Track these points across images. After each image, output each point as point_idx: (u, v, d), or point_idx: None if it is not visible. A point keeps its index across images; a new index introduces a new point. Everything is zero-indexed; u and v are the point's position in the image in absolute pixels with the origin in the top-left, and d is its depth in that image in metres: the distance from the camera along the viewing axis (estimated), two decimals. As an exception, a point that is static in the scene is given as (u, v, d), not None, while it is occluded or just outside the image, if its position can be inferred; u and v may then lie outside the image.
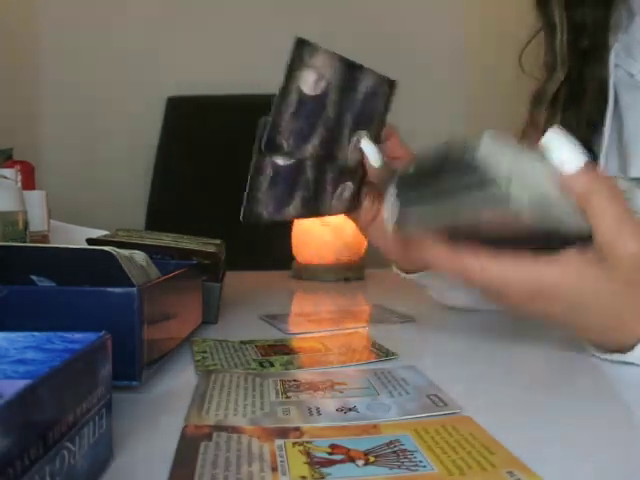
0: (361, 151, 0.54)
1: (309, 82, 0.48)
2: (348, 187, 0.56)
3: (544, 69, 0.71)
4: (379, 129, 0.56)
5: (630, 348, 0.43)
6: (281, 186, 0.50)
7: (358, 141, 0.54)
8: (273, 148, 0.48)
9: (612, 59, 0.67)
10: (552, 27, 0.69)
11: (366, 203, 0.58)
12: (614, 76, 0.67)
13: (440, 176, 0.42)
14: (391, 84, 0.56)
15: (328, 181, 0.54)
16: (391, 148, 0.57)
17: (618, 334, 0.43)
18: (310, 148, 0.50)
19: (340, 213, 0.58)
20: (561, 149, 0.38)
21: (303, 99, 0.48)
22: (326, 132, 0.51)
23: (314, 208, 0.54)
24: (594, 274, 0.40)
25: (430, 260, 0.46)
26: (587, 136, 0.68)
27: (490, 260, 0.42)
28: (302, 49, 0.48)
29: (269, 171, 0.49)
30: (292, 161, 0.50)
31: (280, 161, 0.49)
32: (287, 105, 0.48)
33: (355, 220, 0.60)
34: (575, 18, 0.68)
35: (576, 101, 0.69)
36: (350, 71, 0.53)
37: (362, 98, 0.53)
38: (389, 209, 0.49)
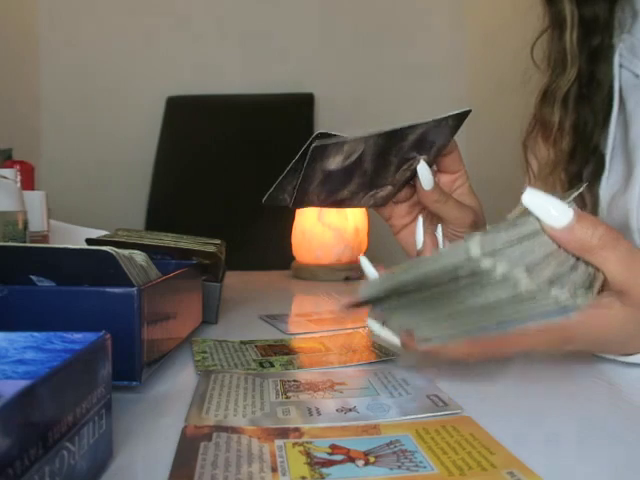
0: (414, 171, 0.53)
1: (336, 162, 0.47)
2: (386, 189, 0.55)
3: (550, 66, 0.71)
4: (439, 152, 0.54)
5: None
6: (335, 181, 0.50)
7: (412, 164, 0.52)
8: (303, 203, 0.51)
9: (616, 60, 0.67)
10: (562, 23, 0.68)
11: (402, 209, 0.57)
12: (619, 77, 0.66)
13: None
14: (459, 117, 0.52)
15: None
16: (448, 163, 0.55)
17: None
18: (346, 193, 0.52)
19: (368, 207, 0.57)
20: (546, 208, 0.36)
21: (331, 173, 0.48)
22: (363, 178, 0.51)
23: (373, 191, 0.53)
24: (618, 311, 0.40)
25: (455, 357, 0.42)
26: (600, 136, 0.68)
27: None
28: (323, 150, 0.46)
29: (319, 175, 0.48)
30: (347, 165, 0.48)
31: (333, 166, 0.48)
32: (312, 180, 0.48)
33: (382, 214, 0.59)
34: (586, 14, 0.67)
35: (588, 100, 0.68)
36: (390, 137, 0.50)
37: (413, 143, 0.51)
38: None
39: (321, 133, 0.46)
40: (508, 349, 0.42)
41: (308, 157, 0.47)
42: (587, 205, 0.68)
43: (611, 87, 0.66)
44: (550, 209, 0.36)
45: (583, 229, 0.37)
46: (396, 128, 0.49)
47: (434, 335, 0.38)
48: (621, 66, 0.67)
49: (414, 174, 0.53)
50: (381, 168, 0.51)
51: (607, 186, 0.67)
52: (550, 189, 0.69)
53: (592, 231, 0.37)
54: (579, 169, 0.69)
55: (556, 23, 0.69)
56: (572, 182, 0.69)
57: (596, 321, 0.40)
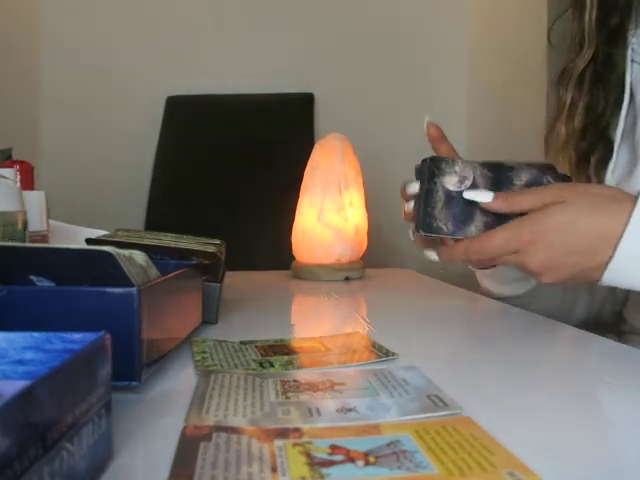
0: None
1: (452, 182, 0.56)
2: None
3: (569, 48, 0.73)
4: None
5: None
6: (456, 208, 0.56)
7: None
8: (431, 230, 0.56)
9: (629, 54, 0.67)
10: (582, 3, 0.70)
11: None
12: (630, 71, 0.67)
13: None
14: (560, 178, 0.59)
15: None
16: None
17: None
18: (473, 229, 0.56)
19: None
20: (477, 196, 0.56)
21: (450, 194, 0.56)
22: (487, 217, 0.56)
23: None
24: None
25: (460, 254, 0.57)
26: (610, 120, 0.69)
27: (487, 235, 0.55)
28: (438, 163, 0.57)
29: (440, 194, 0.56)
30: (463, 190, 0.56)
31: (451, 187, 0.56)
32: (435, 200, 0.56)
33: None
34: None
35: (602, 82, 0.70)
36: (499, 170, 0.58)
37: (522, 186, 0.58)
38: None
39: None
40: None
41: (427, 170, 0.56)
42: None
43: (624, 74, 0.68)
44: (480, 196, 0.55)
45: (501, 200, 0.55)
46: (499, 162, 0.58)
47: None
48: (633, 61, 0.67)
49: None
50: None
51: (612, 176, 0.68)
52: (560, 167, 0.72)
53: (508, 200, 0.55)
54: (589, 149, 0.71)
55: (576, 3, 0.71)
56: (580, 162, 0.71)
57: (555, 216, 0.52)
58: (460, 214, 0.56)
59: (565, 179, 0.59)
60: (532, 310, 0.70)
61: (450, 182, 0.56)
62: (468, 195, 0.56)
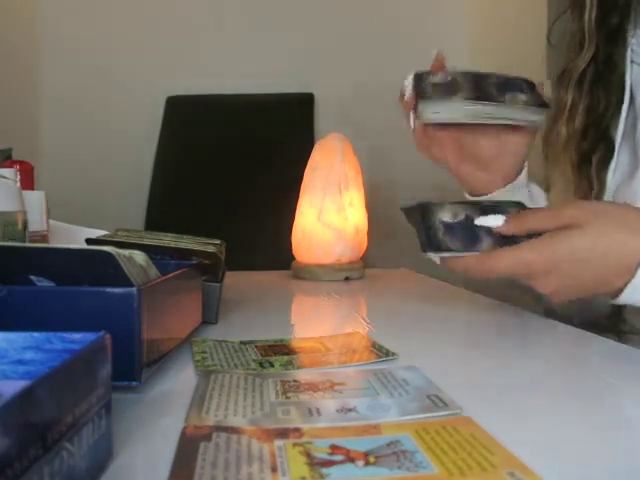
0: None
1: (447, 217, 0.56)
2: (520, 94, 0.64)
3: (569, 48, 0.73)
4: None
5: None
6: (460, 233, 0.56)
7: None
8: (440, 249, 0.56)
9: (629, 55, 0.67)
10: (581, 4, 0.70)
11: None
12: (630, 72, 0.67)
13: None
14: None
15: (493, 89, 0.62)
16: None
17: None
18: (485, 245, 0.56)
19: (520, 113, 0.65)
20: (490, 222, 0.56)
21: (450, 225, 0.57)
22: (493, 237, 0.56)
23: (483, 103, 0.62)
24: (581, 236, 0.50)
25: (460, 269, 0.55)
26: (611, 120, 0.70)
27: (503, 251, 0.53)
28: (426, 208, 0.57)
29: (439, 226, 0.56)
30: (446, 81, 0.62)
31: (448, 219, 0.57)
32: (436, 228, 0.56)
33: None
34: None
35: (602, 82, 0.70)
36: (475, 75, 0.64)
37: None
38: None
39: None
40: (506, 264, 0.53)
41: (419, 214, 0.57)
42: (594, 191, 0.69)
43: (625, 74, 0.68)
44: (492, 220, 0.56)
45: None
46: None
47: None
48: (632, 62, 0.67)
49: None
50: (482, 90, 0.61)
51: (614, 177, 0.68)
52: (561, 168, 0.73)
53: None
54: (590, 150, 0.71)
55: (576, 3, 0.71)
56: (582, 163, 0.71)
57: (574, 242, 0.50)
58: (466, 236, 0.56)
59: (527, 80, 0.63)
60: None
61: (445, 217, 0.57)
62: (479, 222, 0.56)
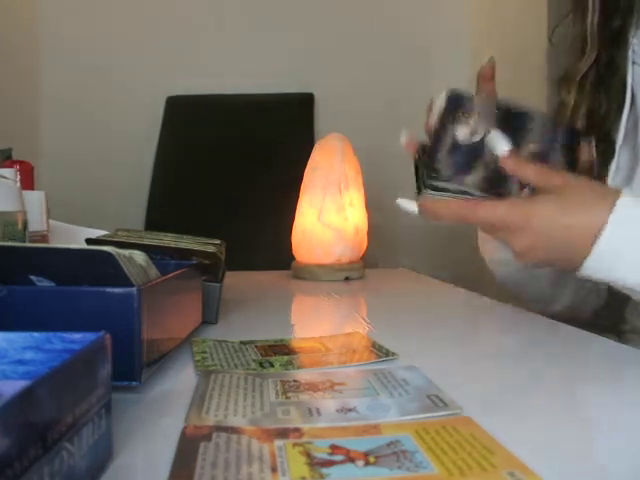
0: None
1: (463, 132, 0.56)
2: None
3: (571, 51, 0.73)
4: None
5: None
6: (459, 157, 0.56)
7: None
8: (430, 171, 0.56)
9: (630, 56, 0.67)
10: (584, 6, 0.70)
11: None
12: (631, 73, 0.67)
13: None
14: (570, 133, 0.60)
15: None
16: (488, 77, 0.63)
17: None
18: (470, 181, 0.56)
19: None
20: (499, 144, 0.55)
21: (458, 144, 0.56)
22: (485, 172, 0.56)
23: (494, 191, 0.58)
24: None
25: (442, 213, 0.56)
26: (612, 124, 0.69)
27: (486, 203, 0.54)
28: (456, 102, 0.57)
29: (448, 141, 0.56)
30: (471, 142, 0.57)
31: (460, 136, 0.56)
32: (442, 144, 0.56)
33: None
34: None
35: (604, 85, 0.70)
36: (514, 118, 0.58)
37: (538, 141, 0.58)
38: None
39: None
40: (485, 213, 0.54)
41: (445, 104, 0.56)
42: None
43: (626, 77, 0.68)
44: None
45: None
46: (520, 109, 0.58)
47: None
48: (634, 63, 0.67)
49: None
50: (502, 175, 0.57)
51: (614, 178, 0.68)
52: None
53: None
54: None
55: (579, 6, 0.71)
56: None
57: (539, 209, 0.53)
58: (463, 162, 0.56)
59: (574, 131, 0.60)
60: (527, 287, 0.71)
61: (461, 132, 0.56)
62: (490, 138, 0.55)
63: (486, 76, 0.63)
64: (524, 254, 0.55)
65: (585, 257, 0.52)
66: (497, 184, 0.56)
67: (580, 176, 0.57)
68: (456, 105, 0.57)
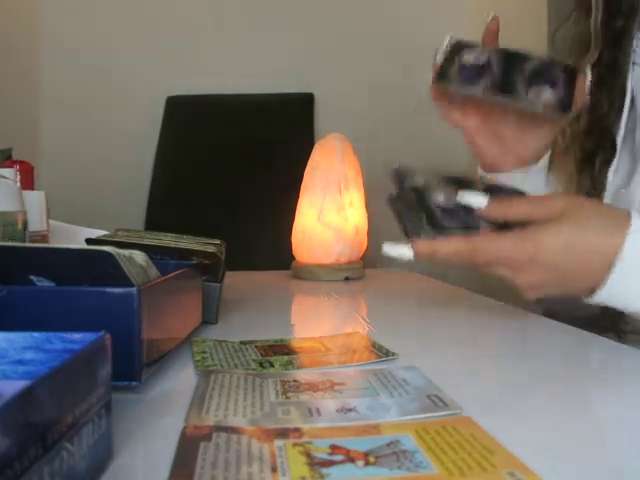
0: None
1: (470, 59, 0.60)
2: (547, 90, 0.61)
3: (574, 51, 0.73)
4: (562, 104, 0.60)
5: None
6: (468, 72, 0.59)
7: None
8: (445, 75, 0.60)
9: (631, 57, 0.67)
10: (588, 6, 0.70)
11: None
12: (632, 74, 0.67)
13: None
14: (568, 70, 0.61)
15: (521, 80, 0.60)
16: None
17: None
18: (480, 90, 0.59)
19: (538, 110, 0.61)
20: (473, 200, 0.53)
21: (465, 66, 0.60)
22: (492, 78, 0.59)
23: (503, 95, 0.60)
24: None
25: (438, 254, 0.53)
26: (613, 124, 0.69)
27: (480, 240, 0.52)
28: (459, 48, 0.61)
29: (457, 65, 0.60)
30: (477, 63, 0.60)
31: (468, 58, 0.60)
32: (450, 68, 0.60)
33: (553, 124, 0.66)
34: None
35: (606, 85, 0.70)
36: (511, 58, 0.60)
37: (530, 72, 0.60)
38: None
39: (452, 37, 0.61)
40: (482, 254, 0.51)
41: (448, 48, 0.60)
42: (596, 191, 0.69)
43: (627, 78, 0.68)
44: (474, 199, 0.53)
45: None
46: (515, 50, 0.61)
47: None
48: (634, 63, 0.67)
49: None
50: (508, 81, 0.59)
51: (614, 178, 0.68)
52: (564, 167, 0.72)
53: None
54: (593, 150, 0.70)
55: (582, 6, 0.71)
56: (585, 163, 0.71)
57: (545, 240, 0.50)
58: (471, 75, 0.58)
59: (571, 69, 0.60)
60: None
61: (468, 59, 0.59)
62: (460, 197, 0.52)
63: (491, 31, 0.65)
64: (533, 290, 0.53)
65: (596, 286, 0.50)
66: (504, 90, 0.58)
67: (571, 194, 0.57)
68: (460, 42, 0.61)
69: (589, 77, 0.62)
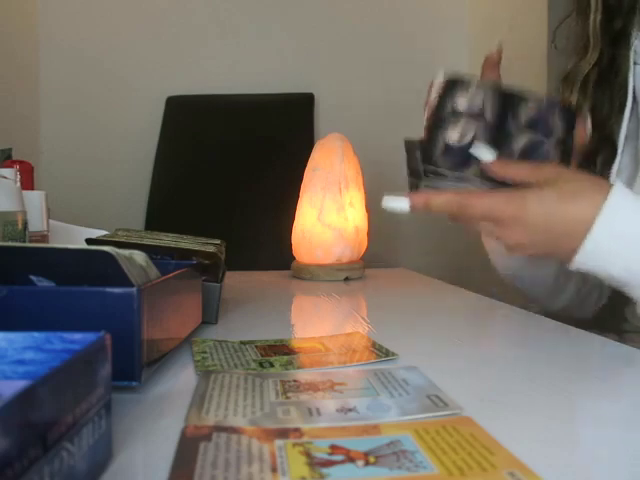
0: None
1: (453, 137, 0.56)
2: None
3: (574, 51, 0.73)
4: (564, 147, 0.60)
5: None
6: (453, 157, 0.57)
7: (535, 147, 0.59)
8: (429, 169, 0.57)
9: (631, 56, 0.67)
10: (586, 6, 0.71)
11: None
12: (633, 74, 0.67)
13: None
14: (566, 112, 0.60)
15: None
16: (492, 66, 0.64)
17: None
18: (470, 172, 0.57)
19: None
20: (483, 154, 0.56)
21: (450, 147, 0.57)
22: (485, 122, 0.57)
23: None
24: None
25: (433, 205, 0.56)
26: (614, 124, 0.69)
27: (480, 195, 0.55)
28: (454, 79, 0.57)
29: (441, 145, 0.57)
30: (462, 144, 0.57)
31: (451, 141, 0.57)
32: (435, 149, 0.56)
33: None
34: None
35: (606, 85, 0.70)
36: (507, 101, 0.58)
37: (528, 119, 0.58)
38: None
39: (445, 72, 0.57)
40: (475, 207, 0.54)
41: (442, 89, 0.56)
42: None
43: (628, 77, 0.68)
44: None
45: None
46: (511, 92, 0.58)
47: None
48: (635, 63, 0.67)
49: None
50: (501, 128, 0.57)
51: (616, 179, 0.68)
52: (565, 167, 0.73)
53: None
54: (594, 151, 0.71)
55: (581, 6, 0.71)
56: (587, 164, 0.71)
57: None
58: (459, 160, 0.57)
59: (570, 113, 0.60)
60: (530, 279, 0.71)
61: (451, 137, 0.57)
62: (474, 149, 0.56)
63: (493, 62, 0.65)
64: (516, 248, 0.56)
65: (576, 249, 0.53)
66: (495, 140, 0.57)
67: (571, 166, 0.58)
68: (454, 80, 0.57)
69: (589, 124, 0.63)
